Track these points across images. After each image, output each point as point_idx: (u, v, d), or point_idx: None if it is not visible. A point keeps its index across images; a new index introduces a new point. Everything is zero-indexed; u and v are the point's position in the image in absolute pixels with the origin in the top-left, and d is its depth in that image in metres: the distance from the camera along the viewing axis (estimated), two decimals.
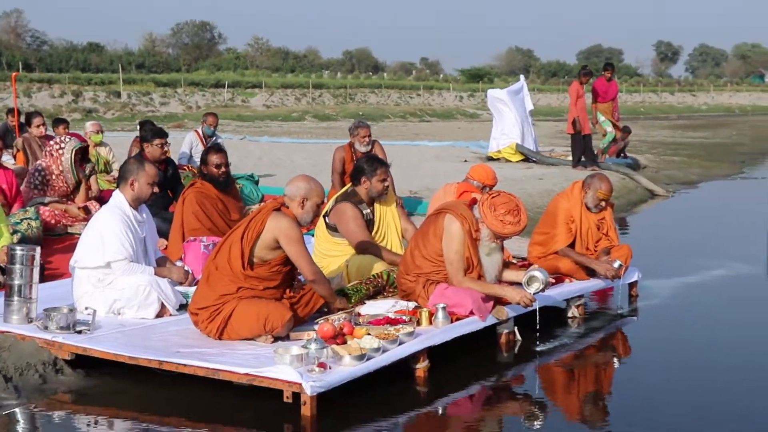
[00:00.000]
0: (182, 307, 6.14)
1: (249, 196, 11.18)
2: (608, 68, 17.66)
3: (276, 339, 5.50)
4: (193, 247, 6.98)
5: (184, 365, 5.08)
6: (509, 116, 18.67)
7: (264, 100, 52.70)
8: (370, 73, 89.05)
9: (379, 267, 6.68)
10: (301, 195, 5.69)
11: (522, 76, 20.23)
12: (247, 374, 4.89)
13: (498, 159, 18.76)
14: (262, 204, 6.11)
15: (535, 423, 5.07)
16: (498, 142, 18.88)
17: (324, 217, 7.12)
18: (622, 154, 18.89)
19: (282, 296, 5.69)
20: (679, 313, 7.60)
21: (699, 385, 5.70)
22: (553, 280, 6.50)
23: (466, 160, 18.71)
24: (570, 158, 17.84)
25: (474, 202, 6.19)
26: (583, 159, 17.03)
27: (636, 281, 7.87)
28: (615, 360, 6.40)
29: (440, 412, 5.21)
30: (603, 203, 7.51)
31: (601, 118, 17.39)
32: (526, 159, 18.50)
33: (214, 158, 7.74)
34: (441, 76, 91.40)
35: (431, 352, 5.64)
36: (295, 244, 5.52)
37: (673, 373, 5.92)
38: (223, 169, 7.75)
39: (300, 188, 5.71)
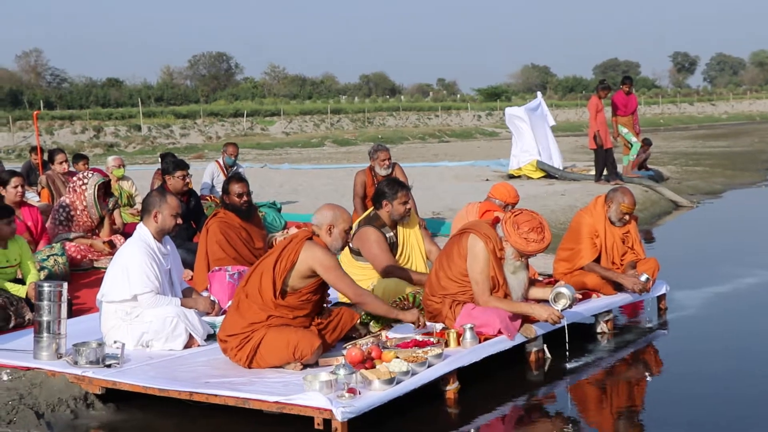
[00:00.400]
0: (210, 338, 6.16)
1: (272, 223, 11.21)
2: (626, 82, 17.64)
3: (305, 366, 5.50)
4: (219, 277, 7.00)
5: (215, 395, 5.08)
6: (528, 133, 18.66)
7: (283, 127, 52.98)
8: (388, 96, 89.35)
9: (404, 289, 6.67)
10: (328, 222, 5.73)
11: (539, 93, 20.25)
12: (277, 402, 4.89)
13: (519, 176, 18.74)
14: (292, 232, 6.13)
15: None
16: (518, 160, 18.87)
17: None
18: (644, 167, 18.81)
19: (310, 323, 5.70)
20: (710, 324, 7.55)
21: (734, 395, 5.63)
22: (580, 296, 6.48)
23: (487, 179, 18.69)
24: (592, 173, 17.78)
25: (497, 220, 6.19)
26: (605, 173, 16.97)
27: (664, 294, 7.83)
28: (647, 374, 6.34)
29: None
30: (627, 216, 7.48)
31: (624, 130, 17.36)
32: (548, 175, 18.46)
33: (236, 187, 7.78)
34: (458, 96, 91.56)
35: (461, 373, 5.62)
36: (333, 271, 5.57)
37: (707, 385, 5.87)
38: (245, 198, 7.79)
39: (326, 216, 5.76)
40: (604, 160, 16.84)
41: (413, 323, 5.86)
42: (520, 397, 5.77)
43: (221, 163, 13.25)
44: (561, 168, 18.79)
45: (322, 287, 5.71)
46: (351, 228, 5.87)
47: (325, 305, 5.86)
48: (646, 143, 18.86)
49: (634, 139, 17.29)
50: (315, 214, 5.82)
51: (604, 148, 16.65)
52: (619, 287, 7.34)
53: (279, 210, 11.86)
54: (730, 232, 13.14)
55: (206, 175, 13.18)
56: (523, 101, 48.26)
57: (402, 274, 6.88)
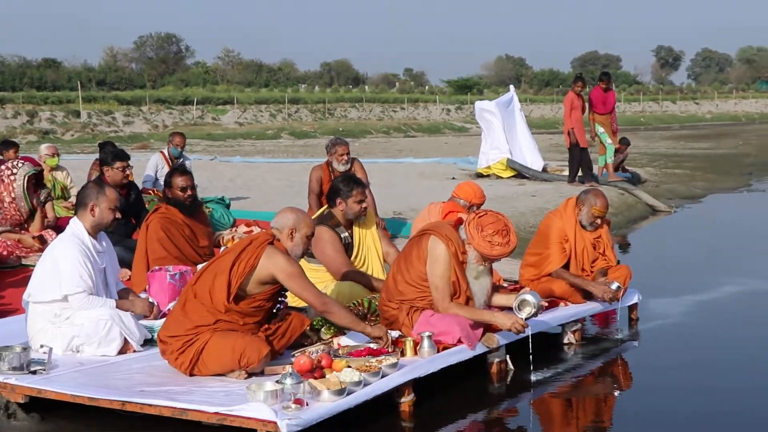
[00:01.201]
0: (147, 343, 6.12)
1: (220, 220, 11.15)
2: (604, 78, 17.78)
3: (249, 375, 5.49)
4: (159, 277, 6.96)
5: (149, 405, 5.05)
6: (499, 129, 18.75)
7: (236, 117, 52.74)
8: (351, 86, 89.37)
9: (359, 294, 6.70)
10: (290, 226, 5.73)
11: (512, 87, 20.35)
12: (217, 413, 4.87)
13: (488, 175, 18.83)
14: (241, 230, 6.11)
15: None
16: (488, 157, 18.95)
17: None
18: (621, 168, 18.99)
19: (258, 330, 5.70)
20: (684, 335, 7.64)
21: (707, 412, 5.72)
22: (547, 304, 6.53)
23: (453, 178, 18.76)
24: (566, 173, 17.91)
25: (460, 222, 6.21)
26: (580, 174, 17.11)
27: (636, 303, 7.91)
28: (615, 388, 6.42)
29: None
30: (598, 221, 7.54)
31: (600, 129, 17.48)
32: (519, 175, 18.56)
33: (179, 180, 7.74)
34: (426, 88, 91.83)
35: (417, 384, 5.63)
36: (297, 279, 5.57)
37: (678, 400, 5.94)
38: (189, 192, 7.75)
39: (288, 219, 5.76)
40: (579, 160, 16.97)
41: (378, 340, 5.85)
42: (480, 411, 5.80)
43: (166, 154, 13.18)
44: (539, 168, 18.87)
45: (277, 294, 5.71)
46: (313, 234, 5.86)
47: (277, 310, 5.84)
48: (624, 143, 19.04)
49: (609, 141, 17.41)
50: (275, 218, 5.83)
51: (579, 146, 16.78)
52: (588, 295, 7.40)
53: (228, 206, 11.80)
54: (709, 239, 13.31)
55: (149, 167, 13.09)
56: (495, 95, 48.51)
57: (361, 279, 6.90)
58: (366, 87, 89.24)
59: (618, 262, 7.82)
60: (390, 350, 5.78)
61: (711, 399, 6.01)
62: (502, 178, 18.54)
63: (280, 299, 5.77)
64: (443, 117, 62.03)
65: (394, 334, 6.09)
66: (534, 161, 18.96)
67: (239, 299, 5.59)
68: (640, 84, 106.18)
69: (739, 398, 5.99)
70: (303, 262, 6.98)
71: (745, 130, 46.53)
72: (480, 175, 19.00)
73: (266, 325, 5.72)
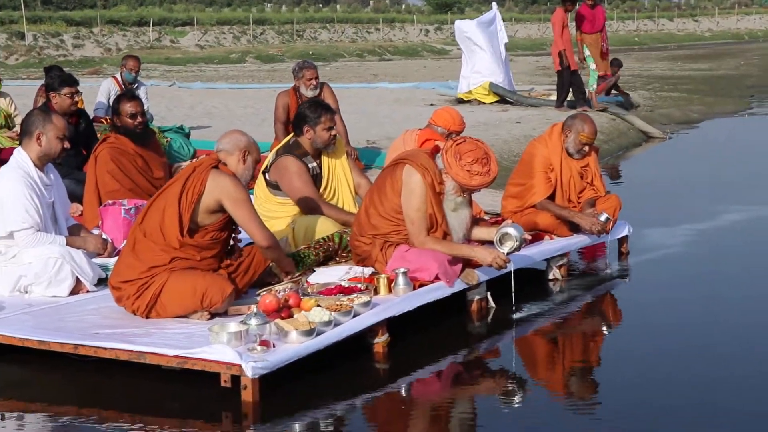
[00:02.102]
0: (101, 282, 6.12)
1: (179, 151, 11.11)
2: None
3: (212, 315, 5.53)
4: (112, 212, 6.94)
5: (104, 349, 5.07)
6: (481, 51, 18.63)
7: (196, 39, 52.16)
8: (321, 6, 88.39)
9: (329, 228, 6.70)
10: (241, 148, 5.71)
11: (494, 5, 20.17)
12: (177, 356, 4.90)
13: (469, 101, 18.75)
14: (197, 160, 6.08)
15: (513, 402, 5.12)
16: (469, 82, 18.86)
17: (264, 173, 7.12)
18: (612, 92, 18.97)
19: (219, 266, 5.72)
20: (677, 269, 7.70)
21: (700, 354, 5.75)
22: (530, 237, 6.51)
23: (432, 104, 18.68)
24: (554, 98, 17.87)
25: (437, 150, 6.19)
26: (570, 98, 17.07)
27: (626, 236, 7.96)
28: (604, 327, 6.48)
29: (403, 392, 5.24)
30: (586, 148, 7.55)
31: (587, 52, 17.37)
32: (502, 100, 18.51)
33: (128, 107, 7.65)
34: (403, 6, 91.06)
35: (391, 324, 5.68)
36: (243, 206, 5.55)
37: (670, 340, 5.99)
38: (139, 119, 7.67)
39: (240, 141, 5.74)
40: (569, 83, 16.90)
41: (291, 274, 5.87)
42: (459, 352, 5.85)
43: (119, 79, 13.05)
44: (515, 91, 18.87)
45: (230, 223, 5.70)
46: (260, 160, 5.87)
47: (234, 243, 5.85)
48: (616, 65, 18.96)
49: (593, 66, 17.28)
50: (223, 139, 5.78)
51: (570, 69, 16.71)
52: (575, 228, 7.44)
53: (187, 136, 11.75)
54: (706, 166, 13.36)
55: (101, 93, 12.97)
56: (477, 14, 48.08)
57: (330, 212, 6.91)
58: (338, 6, 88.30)
59: (607, 192, 7.85)
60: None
61: (706, 336, 6.07)
62: (484, 103, 18.46)
63: (234, 227, 5.75)
64: (421, 38, 61.57)
65: (367, 270, 6.12)
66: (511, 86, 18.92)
67: (192, 232, 5.58)
68: (634, 0, 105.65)
69: (737, 334, 6.04)
70: (268, 195, 7.03)
71: (748, 49, 46.45)
72: (461, 101, 18.91)
73: (228, 261, 5.74)
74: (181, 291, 5.48)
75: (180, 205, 5.54)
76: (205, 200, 5.54)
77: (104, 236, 6.56)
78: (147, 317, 5.53)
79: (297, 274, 6.08)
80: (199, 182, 5.54)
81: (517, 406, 5.06)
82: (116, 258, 6.03)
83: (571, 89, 17.02)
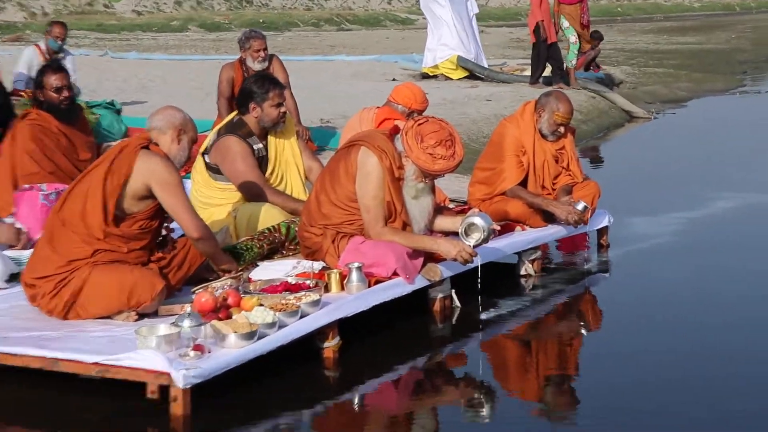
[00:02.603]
0: (13, 278, 6.05)
1: (109, 129, 11.00)
2: None
3: (140, 316, 5.44)
4: (29, 198, 6.89)
5: (12, 355, 4.99)
6: (449, 22, 18.64)
7: (133, 4, 51.85)
8: None
9: (275, 217, 6.65)
10: (177, 126, 5.66)
11: None
12: (97, 363, 4.82)
13: (435, 76, 18.77)
14: (126, 139, 6.03)
15: (480, 413, 5.11)
16: (434, 55, 18.87)
17: (203, 155, 7.06)
18: (592, 67, 19.03)
19: (149, 259, 5.64)
20: (663, 263, 7.71)
21: (686, 356, 5.76)
22: (500, 228, 6.51)
23: (394, 79, 18.65)
24: (528, 73, 17.88)
25: (396, 131, 6.17)
26: (547, 74, 17.08)
27: (606, 227, 7.96)
28: (582, 329, 6.47)
29: (356, 403, 5.22)
30: (562, 129, 7.54)
31: (565, 24, 17.42)
32: (471, 75, 18.52)
33: (52, 79, 7.60)
34: None
35: (343, 325, 5.63)
36: (173, 192, 5.49)
37: (654, 342, 5.99)
38: (64, 93, 7.63)
39: (175, 118, 5.69)
40: (545, 57, 16.95)
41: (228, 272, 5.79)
42: (420, 357, 5.83)
43: (43, 47, 12.94)
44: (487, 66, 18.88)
45: (161, 211, 5.62)
46: (196, 140, 5.81)
47: (165, 234, 5.78)
48: (596, 38, 19.03)
49: (573, 40, 17.34)
50: (155, 117, 5.71)
51: (547, 42, 16.71)
52: (549, 218, 7.42)
53: (119, 112, 11.63)
54: (694, 149, 13.47)
55: (21, 63, 12.91)
56: None
57: (277, 199, 6.87)
58: None
59: (585, 178, 7.83)
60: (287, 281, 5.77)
61: (694, 337, 6.08)
62: (451, 79, 18.48)
63: (166, 216, 5.67)
64: (383, 7, 61.62)
65: (317, 265, 6.06)
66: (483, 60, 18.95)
67: (119, 221, 5.50)
68: None
69: (728, 335, 6.06)
70: (208, 179, 6.97)
71: (740, 21, 46.94)
72: (426, 76, 18.92)
73: (159, 254, 5.66)
74: (105, 288, 5.38)
75: (104, 189, 5.45)
76: (132, 184, 5.46)
77: (18, 225, 6.50)
78: (65, 318, 5.42)
79: (239, 269, 6.00)
80: (126, 164, 5.46)
81: (484, 417, 5.05)
82: (31, 251, 5.90)
83: (548, 64, 17.03)
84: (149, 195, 5.50)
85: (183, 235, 5.86)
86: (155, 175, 5.45)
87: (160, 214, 5.62)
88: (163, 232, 5.75)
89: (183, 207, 5.54)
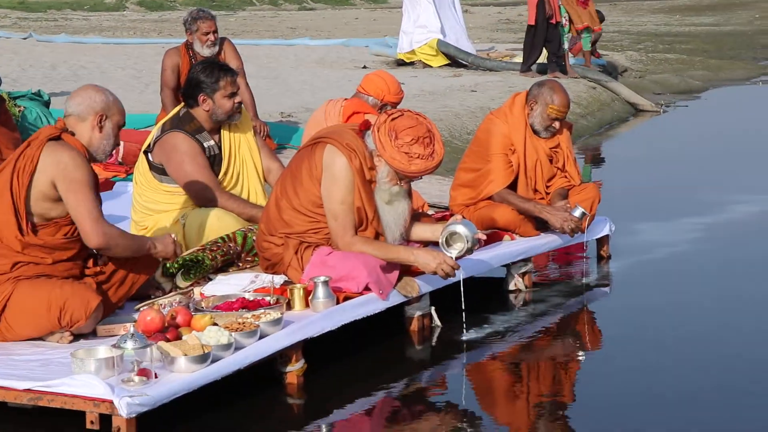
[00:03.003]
0: None
1: (35, 123, 10.93)
2: None
3: (76, 337, 5.47)
4: None
5: None
6: (426, 1, 18.65)
7: None
8: None
9: (230, 225, 6.68)
10: (97, 110, 5.59)
11: None
12: (29, 390, 4.84)
13: (412, 63, 18.81)
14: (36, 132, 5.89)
15: None
16: (411, 39, 18.88)
17: (146, 153, 7.06)
18: (593, 53, 19.10)
19: (82, 272, 5.65)
20: (670, 277, 7.79)
21: (695, 386, 5.79)
22: (486, 237, 6.49)
23: (365, 66, 18.70)
24: (519, 60, 17.93)
25: (367, 126, 6.18)
26: (542, 62, 17.09)
27: (607, 236, 8.03)
28: (579, 352, 6.50)
29: None
30: (557, 124, 7.57)
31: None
32: (453, 62, 18.55)
33: None
34: None
35: (308, 347, 5.67)
36: (77, 189, 5.41)
37: (660, 367, 6.03)
38: None
39: (95, 101, 5.61)
40: (542, 41, 16.93)
41: (165, 258, 5.80)
42: (395, 383, 5.84)
43: None
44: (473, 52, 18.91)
45: None
46: (124, 123, 5.76)
47: None
48: (597, 19, 19.12)
49: (565, 22, 17.35)
50: (72, 100, 5.65)
51: (548, 22, 16.64)
52: (542, 225, 7.47)
53: (47, 104, 11.60)
54: (708, 148, 13.51)
55: None
56: None
57: (232, 205, 6.88)
58: None
59: (584, 181, 7.90)
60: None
61: (704, 364, 6.09)
62: (430, 66, 18.52)
63: None
64: None
65: (278, 279, 6.10)
66: (465, 45, 18.97)
67: (37, 228, 5.47)
68: None
69: (747, 368, 6.02)
70: (152, 180, 6.96)
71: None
72: (401, 63, 18.97)
73: (97, 267, 5.66)
74: (31, 306, 5.39)
75: (12, 193, 5.43)
76: (37, 183, 5.43)
77: None
78: None
79: (187, 284, 6.06)
80: (30, 160, 5.43)
81: None
82: None
83: (545, 47, 17.03)
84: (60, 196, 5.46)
85: None
86: (59, 169, 5.38)
87: None
88: None
89: (85, 209, 5.43)
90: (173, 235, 5.88)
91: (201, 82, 6.97)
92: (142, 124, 11.32)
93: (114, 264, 5.72)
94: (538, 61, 17.29)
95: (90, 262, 5.71)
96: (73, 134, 5.57)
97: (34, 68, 18.13)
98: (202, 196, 6.89)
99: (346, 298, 6.00)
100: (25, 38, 25.18)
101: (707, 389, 5.72)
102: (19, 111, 10.82)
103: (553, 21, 16.73)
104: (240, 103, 7.08)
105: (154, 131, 7.15)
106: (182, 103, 7.18)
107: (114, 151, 9.89)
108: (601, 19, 19.35)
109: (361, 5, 48.91)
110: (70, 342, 5.44)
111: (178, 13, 38.72)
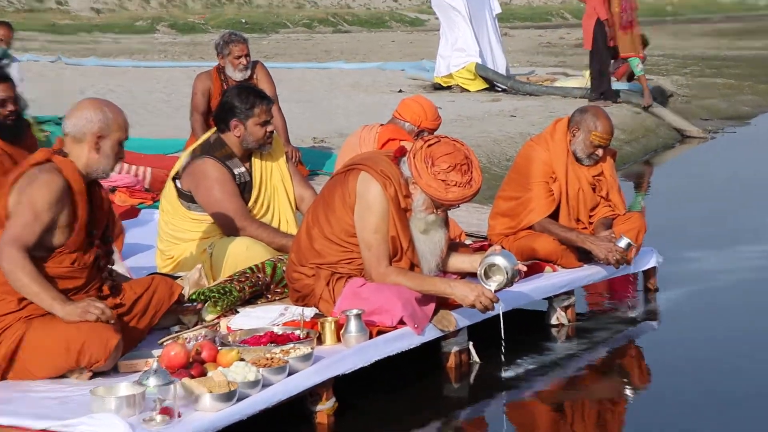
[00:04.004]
0: None
1: None
2: None
3: (96, 373, 5.43)
4: None
5: None
6: (465, 24, 18.73)
7: (91, 1, 52.14)
8: None
9: (259, 255, 6.66)
10: (94, 131, 5.52)
11: None
12: (46, 431, 4.81)
13: (449, 87, 18.85)
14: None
15: None
16: (449, 63, 18.97)
17: (174, 180, 7.08)
18: (635, 77, 19.08)
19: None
20: (721, 312, 7.73)
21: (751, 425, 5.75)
22: (526, 269, 6.48)
23: (401, 90, 18.76)
24: (558, 84, 17.92)
25: (402, 153, 6.17)
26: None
27: (654, 267, 7.98)
28: (625, 390, 6.46)
29: None
30: (600, 151, 7.55)
31: None
32: (492, 86, 18.58)
33: None
34: None
35: (340, 384, 5.63)
36: (20, 211, 5.32)
37: (711, 408, 5.98)
38: (9, 106, 7.61)
39: (91, 121, 5.53)
40: (608, 65, 16.86)
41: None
42: (432, 423, 5.83)
43: None
44: (511, 76, 18.93)
45: (89, 237, 5.53)
46: (127, 137, 5.67)
47: (120, 271, 5.74)
48: (641, 42, 19.10)
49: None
50: (68, 120, 5.59)
51: (606, 45, 16.58)
52: (585, 256, 7.44)
53: None
54: (759, 174, 13.43)
55: None
56: None
57: (262, 234, 6.88)
58: None
59: (629, 210, 7.87)
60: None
61: (759, 403, 6.03)
62: (468, 90, 18.56)
63: (103, 241, 5.61)
64: (389, 5, 61.94)
65: (309, 312, 6.06)
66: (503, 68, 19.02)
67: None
68: None
69: None
70: (179, 208, 6.97)
71: None
72: (438, 87, 19.01)
73: (116, 299, 5.59)
74: (48, 348, 5.34)
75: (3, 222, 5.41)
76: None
77: None
78: (2, 379, 5.41)
79: (213, 317, 6.01)
80: (8, 186, 5.42)
81: None
82: None
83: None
84: (67, 223, 5.41)
85: (151, 274, 5.85)
86: (23, 191, 5.35)
87: (87, 243, 5.53)
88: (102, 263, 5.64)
89: (10, 226, 5.33)
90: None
91: (234, 107, 7.00)
92: (170, 150, 11.37)
93: (132, 294, 5.69)
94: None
95: (104, 290, 5.62)
96: (66, 155, 5.51)
97: (62, 92, 18.21)
98: (230, 225, 6.89)
99: (379, 333, 5.96)
100: (53, 61, 25.42)
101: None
102: (45, 136, 10.90)
103: (611, 44, 16.64)
104: (272, 132, 7.10)
105: (183, 157, 7.21)
106: (213, 129, 7.23)
107: (141, 178, 9.95)
108: (645, 43, 19.31)
109: (397, 28, 49.20)
110: (90, 378, 5.40)
111: (210, 36, 39.05)
